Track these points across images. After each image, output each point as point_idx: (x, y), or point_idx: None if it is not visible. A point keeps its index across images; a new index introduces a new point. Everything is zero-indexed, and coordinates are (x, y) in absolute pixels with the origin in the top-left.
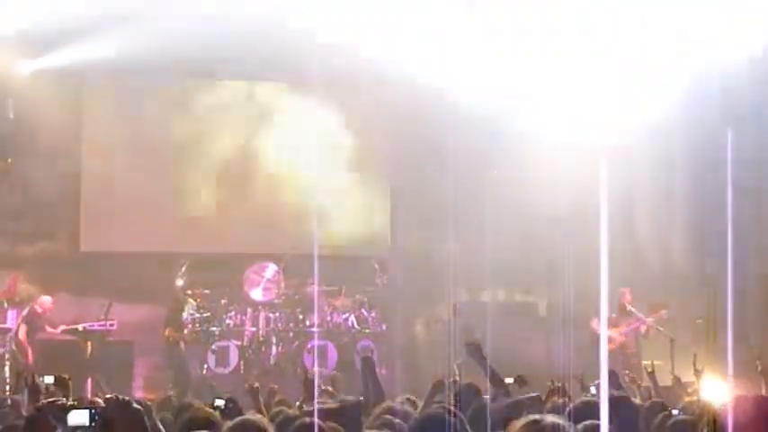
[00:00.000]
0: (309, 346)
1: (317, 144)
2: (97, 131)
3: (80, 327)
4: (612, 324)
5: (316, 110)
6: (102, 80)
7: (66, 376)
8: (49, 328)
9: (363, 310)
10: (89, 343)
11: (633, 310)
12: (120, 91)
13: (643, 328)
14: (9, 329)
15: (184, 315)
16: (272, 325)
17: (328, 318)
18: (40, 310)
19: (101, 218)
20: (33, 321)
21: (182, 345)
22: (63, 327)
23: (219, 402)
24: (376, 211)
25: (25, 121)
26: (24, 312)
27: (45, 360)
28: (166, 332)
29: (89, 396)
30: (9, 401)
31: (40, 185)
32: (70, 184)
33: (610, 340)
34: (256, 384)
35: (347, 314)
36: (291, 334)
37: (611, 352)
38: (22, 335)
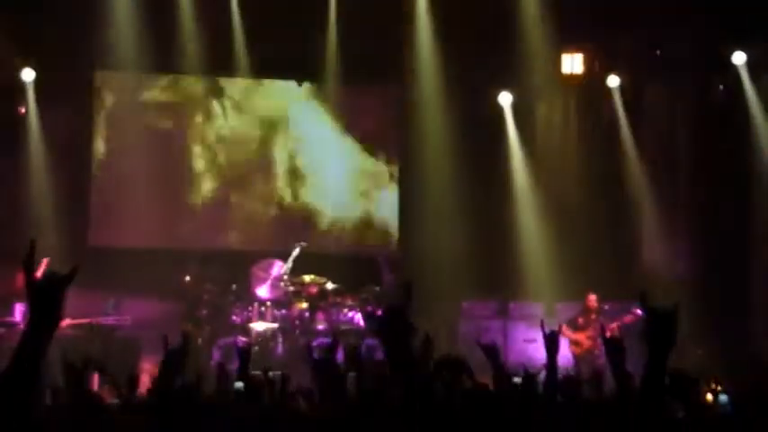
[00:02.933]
0: (315, 343)
1: (324, 141)
2: (108, 126)
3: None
4: (579, 328)
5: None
6: (112, 76)
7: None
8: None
9: (370, 309)
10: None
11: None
12: (131, 87)
13: (608, 333)
14: (17, 323)
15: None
16: (278, 322)
17: (334, 316)
18: None
19: (108, 213)
20: None
21: (199, 341)
22: (69, 321)
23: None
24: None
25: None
26: None
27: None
28: (188, 327)
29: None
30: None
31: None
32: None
33: (576, 344)
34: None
35: (353, 312)
36: (297, 331)
37: (578, 355)
38: None
